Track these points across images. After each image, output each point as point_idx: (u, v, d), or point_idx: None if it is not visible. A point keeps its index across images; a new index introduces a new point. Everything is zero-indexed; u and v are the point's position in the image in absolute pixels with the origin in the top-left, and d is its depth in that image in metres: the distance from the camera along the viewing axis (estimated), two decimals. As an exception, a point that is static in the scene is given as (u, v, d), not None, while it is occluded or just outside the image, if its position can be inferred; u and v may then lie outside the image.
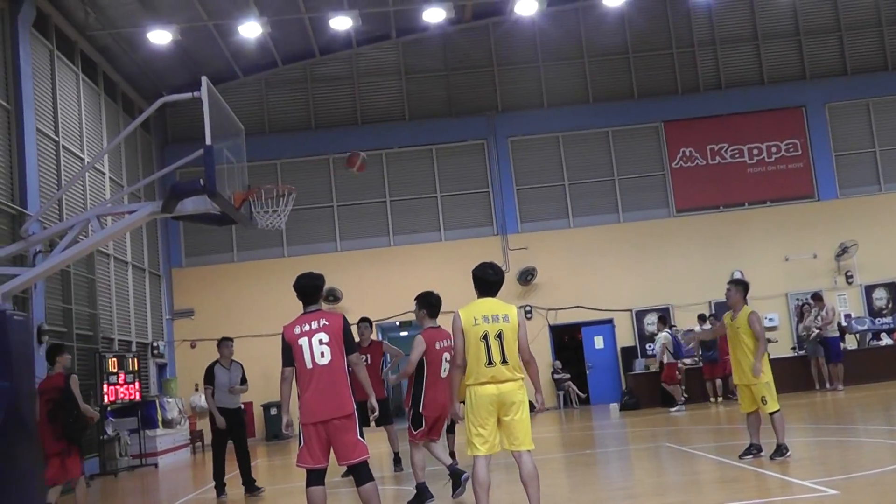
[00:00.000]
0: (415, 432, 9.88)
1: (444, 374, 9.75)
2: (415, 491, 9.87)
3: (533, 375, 7.72)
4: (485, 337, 7.53)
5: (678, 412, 20.54)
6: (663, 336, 21.82)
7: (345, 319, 7.79)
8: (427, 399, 9.80)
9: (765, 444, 10.83)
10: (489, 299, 7.77)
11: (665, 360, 21.58)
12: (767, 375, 10.73)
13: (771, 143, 27.52)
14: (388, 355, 14.46)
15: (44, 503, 10.08)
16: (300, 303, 7.98)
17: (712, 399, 21.86)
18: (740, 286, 11.23)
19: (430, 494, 9.66)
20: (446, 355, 9.63)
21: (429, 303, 9.94)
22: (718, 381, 21.84)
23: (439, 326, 9.90)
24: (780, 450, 10.58)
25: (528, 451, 7.56)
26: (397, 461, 13.56)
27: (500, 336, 7.53)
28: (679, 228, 26.94)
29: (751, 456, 10.87)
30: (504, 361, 7.51)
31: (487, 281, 7.82)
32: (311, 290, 7.96)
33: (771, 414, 10.65)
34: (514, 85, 27.61)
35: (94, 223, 12.97)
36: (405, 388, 10.93)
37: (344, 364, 7.65)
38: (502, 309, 7.67)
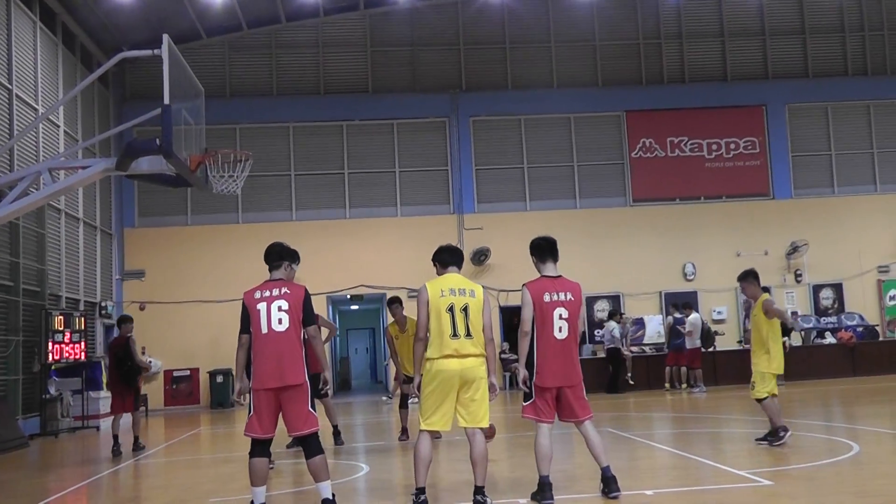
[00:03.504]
0: (525, 403, 8.00)
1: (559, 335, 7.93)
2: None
3: (489, 357, 7.69)
4: (450, 309, 7.59)
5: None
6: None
7: (306, 291, 7.74)
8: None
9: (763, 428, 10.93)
10: (455, 274, 7.89)
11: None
12: (767, 366, 10.81)
13: (730, 139, 27.79)
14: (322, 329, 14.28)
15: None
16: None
17: (667, 385, 22.20)
18: (750, 277, 11.20)
19: (551, 496, 7.65)
20: (560, 311, 7.94)
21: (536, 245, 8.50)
22: (683, 369, 22.13)
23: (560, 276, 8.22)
24: (774, 433, 10.77)
25: (482, 429, 7.62)
26: (337, 434, 13.55)
27: (465, 310, 7.60)
28: (634, 218, 27.13)
29: (767, 441, 10.90)
30: (468, 335, 7.56)
31: (445, 260, 7.98)
32: (278, 255, 7.93)
33: (758, 401, 10.83)
34: (480, 65, 27.58)
35: (45, 176, 12.79)
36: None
37: (300, 334, 7.59)
38: (469, 284, 7.80)
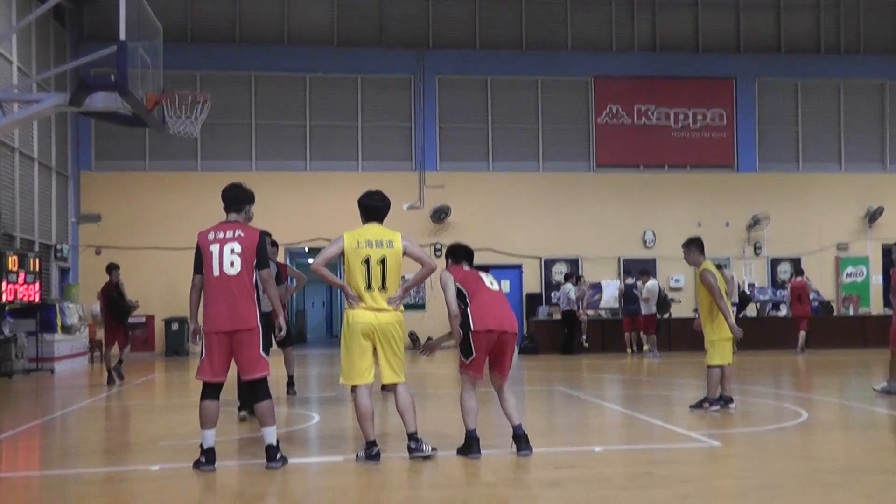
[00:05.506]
0: (466, 361, 7.82)
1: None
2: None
3: (421, 272, 7.74)
4: (366, 261, 7.49)
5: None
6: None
7: (261, 235, 7.56)
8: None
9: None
10: (375, 225, 7.76)
11: None
12: (718, 334, 10.68)
13: (698, 109, 27.79)
14: (292, 279, 14.17)
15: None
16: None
17: (628, 350, 22.45)
18: (692, 245, 11.01)
19: (478, 448, 7.68)
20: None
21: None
22: (638, 334, 22.31)
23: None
24: (701, 403, 10.72)
25: (402, 383, 7.62)
26: (291, 384, 13.44)
27: (382, 262, 7.50)
28: (597, 183, 27.12)
29: (717, 406, 10.74)
30: (383, 288, 7.50)
31: (373, 207, 7.82)
32: (235, 198, 7.80)
33: (708, 367, 10.73)
34: (448, 22, 27.25)
35: (-3, 109, 12.47)
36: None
37: (252, 278, 7.47)
38: (387, 235, 7.65)
